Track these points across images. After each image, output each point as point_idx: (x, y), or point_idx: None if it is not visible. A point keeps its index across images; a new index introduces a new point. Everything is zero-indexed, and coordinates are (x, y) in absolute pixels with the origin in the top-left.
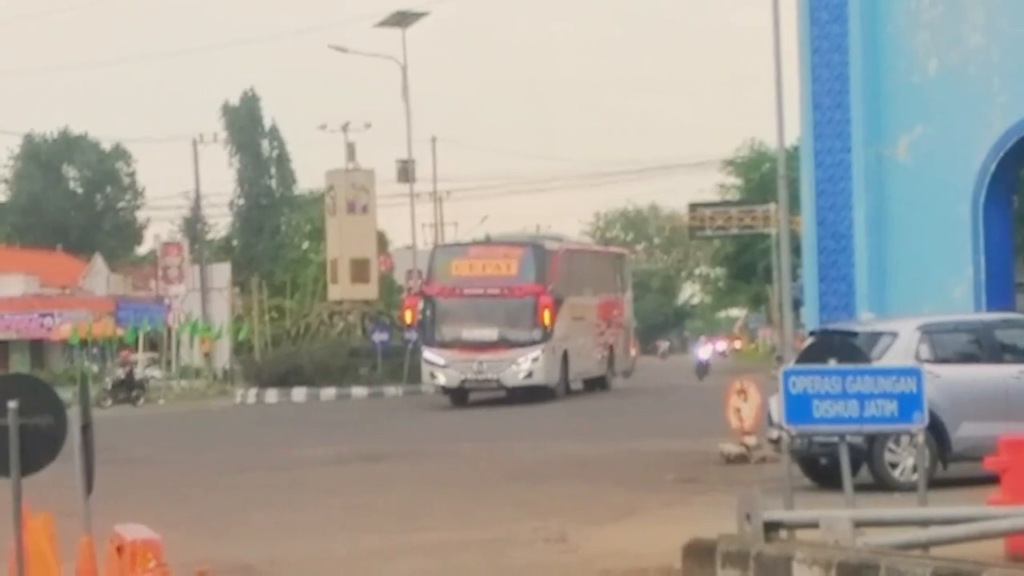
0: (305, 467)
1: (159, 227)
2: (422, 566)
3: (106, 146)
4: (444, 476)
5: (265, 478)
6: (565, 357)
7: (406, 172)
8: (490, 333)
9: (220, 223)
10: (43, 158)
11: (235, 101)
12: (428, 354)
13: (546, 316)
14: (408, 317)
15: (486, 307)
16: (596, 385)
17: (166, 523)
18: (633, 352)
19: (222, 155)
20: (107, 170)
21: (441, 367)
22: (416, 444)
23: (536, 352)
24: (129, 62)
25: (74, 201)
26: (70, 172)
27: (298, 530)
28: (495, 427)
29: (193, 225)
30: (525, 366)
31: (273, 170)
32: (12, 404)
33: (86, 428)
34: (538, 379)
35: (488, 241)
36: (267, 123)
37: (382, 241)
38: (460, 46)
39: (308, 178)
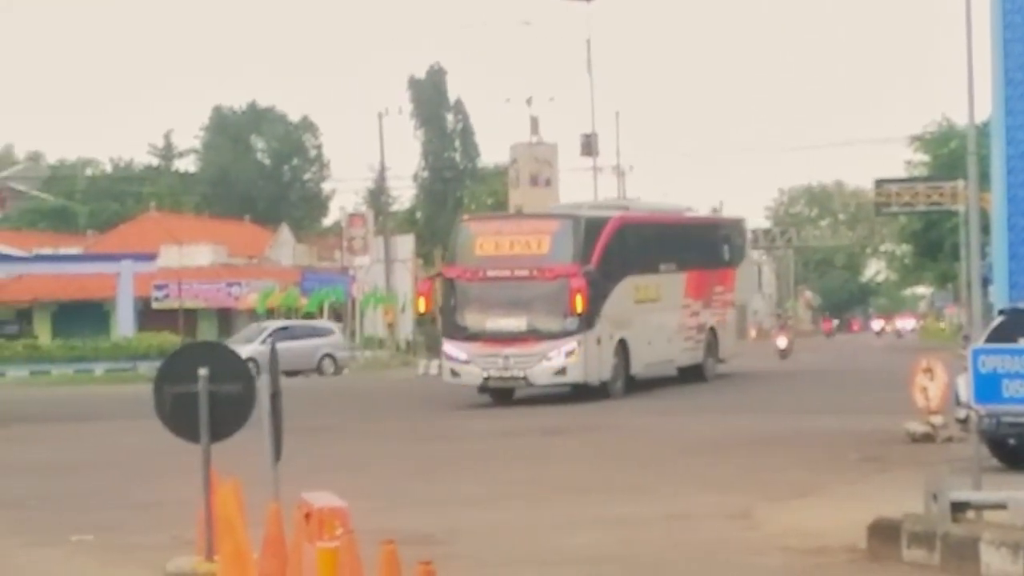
0: (483, 438)
1: (344, 199)
2: (601, 540)
3: (293, 118)
4: (621, 449)
5: (444, 448)
6: (624, 347)
7: (589, 146)
8: (517, 323)
9: (404, 195)
10: (232, 130)
11: (421, 75)
12: (448, 347)
13: (578, 301)
14: (421, 304)
15: (513, 292)
16: (691, 375)
17: (348, 491)
18: (752, 331)
19: (407, 128)
20: (294, 142)
21: (462, 362)
22: (592, 417)
23: (570, 344)
24: (316, 36)
25: (262, 172)
26: (258, 144)
27: (477, 501)
28: (665, 404)
29: (377, 197)
30: (557, 361)
31: (457, 143)
32: (202, 372)
33: (275, 396)
34: (574, 376)
35: (520, 214)
36: (452, 96)
37: None
38: (645, 20)
39: (491, 151)
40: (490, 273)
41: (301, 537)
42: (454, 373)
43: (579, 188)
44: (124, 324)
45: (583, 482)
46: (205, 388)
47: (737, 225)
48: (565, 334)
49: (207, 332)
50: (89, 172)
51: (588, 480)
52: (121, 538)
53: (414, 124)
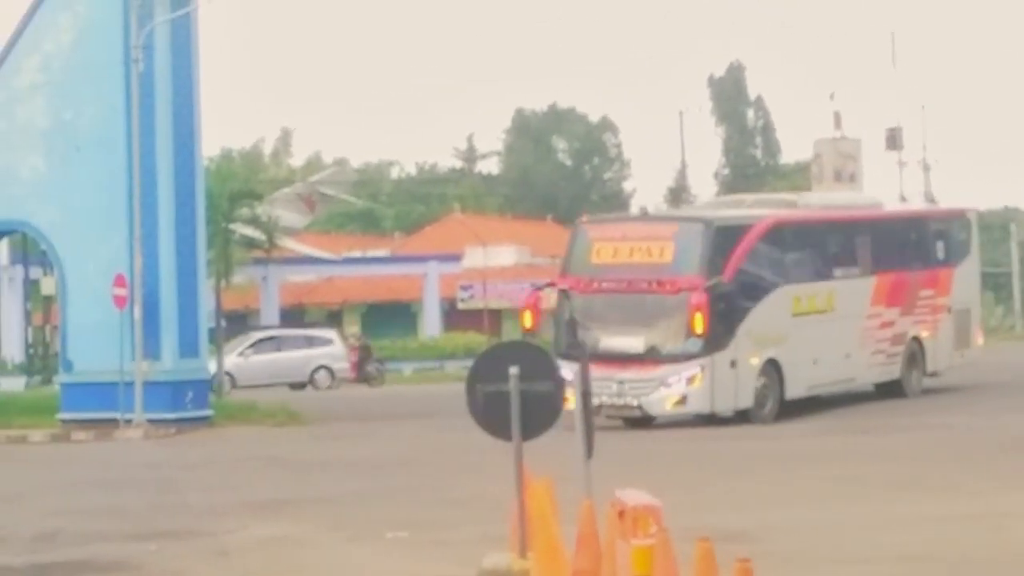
0: (790, 437)
1: (645, 197)
2: (916, 539)
3: (593, 118)
4: (934, 447)
5: (751, 446)
6: (775, 367)
7: (894, 140)
8: (634, 343)
9: (704, 193)
10: (533, 132)
11: (721, 72)
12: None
13: (698, 320)
14: (527, 319)
15: (629, 307)
16: (888, 391)
17: (656, 489)
18: (979, 339)
19: (707, 125)
20: (594, 142)
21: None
22: (899, 417)
23: (692, 369)
24: (615, 37)
25: (563, 172)
26: (559, 144)
27: (787, 498)
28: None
29: (678, 195)
30: (677, 388)
31: (758, 140)
32: (513, 371)
33: (586, 395)
34: (696, 405)
35: (645, 215)
36: (752, 93)
37: None
38: (953, 11)
39: (793, 147)
40: (605, 284)
41: (615, 534)
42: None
43: (884, 183)
44: (431, 324)
45: (895, 480)
46: (516, 387)
47: (957, 218)
48: (686, 357)
49: (512, 332)
50: (394, 175)
51: (900, 478)
52: (435, 534)
53: (714, 121)
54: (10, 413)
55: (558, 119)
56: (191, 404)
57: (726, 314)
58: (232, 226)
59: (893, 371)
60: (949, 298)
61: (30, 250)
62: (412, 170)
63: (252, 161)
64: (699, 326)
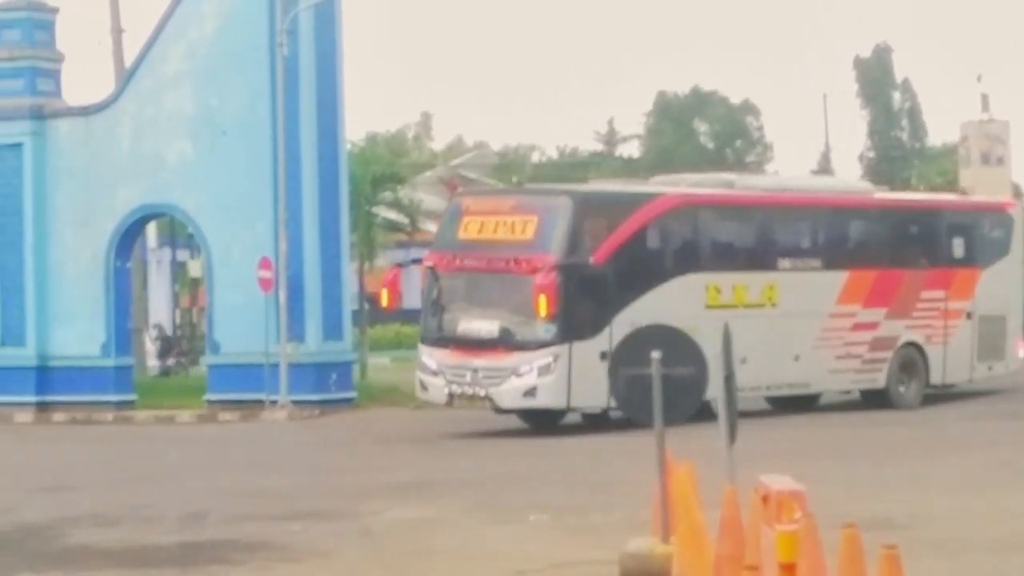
0: (937, 422)
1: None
2: None
3: (735, 101)
4: None
5: (896, 432)
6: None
7: None
8: (489, 327)
9: (849, 176)
10: (674, 114)
11: (866, 54)
12: (421, 353)
13: (542, 303)
14: (384, 298)
15: (487, 288)
16: (874, 401)
17: (803, 475)
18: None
19: (852, 108)
20: (736, 124)
21: (431, 373)
22: None
23: (545, 358)
24: (758, 19)
25: (704, 156)
26: (701, 127)
27: (936, 485)
28: None
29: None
30: (528, 378)
31: (904, 122)
32: (655, 355)
33: (729, 378)
34: (546, 399)
35: (518, 187)
36: (899, 75)
37: (1017, 192)
38: None
39: (940, 130)
40: (467, 262)
41: (758, 520)
42: (423, 386)
43: None
44: None
45: None
46: (658, 371)
47: (993, 214)
48: (538, 345)
49: None
50: (535, 159)
51: None
52: (576, 518)
53: (859, 104)
54: (159, 393)
55: (700, 101)
56: (335, 386)
57: (595, 299)
58: (375, 209)
59: (875, 379)
60: (970, 302)
61: (177, 233)
62: (553, 154)
63: (396, 145)
64: (543, 310)
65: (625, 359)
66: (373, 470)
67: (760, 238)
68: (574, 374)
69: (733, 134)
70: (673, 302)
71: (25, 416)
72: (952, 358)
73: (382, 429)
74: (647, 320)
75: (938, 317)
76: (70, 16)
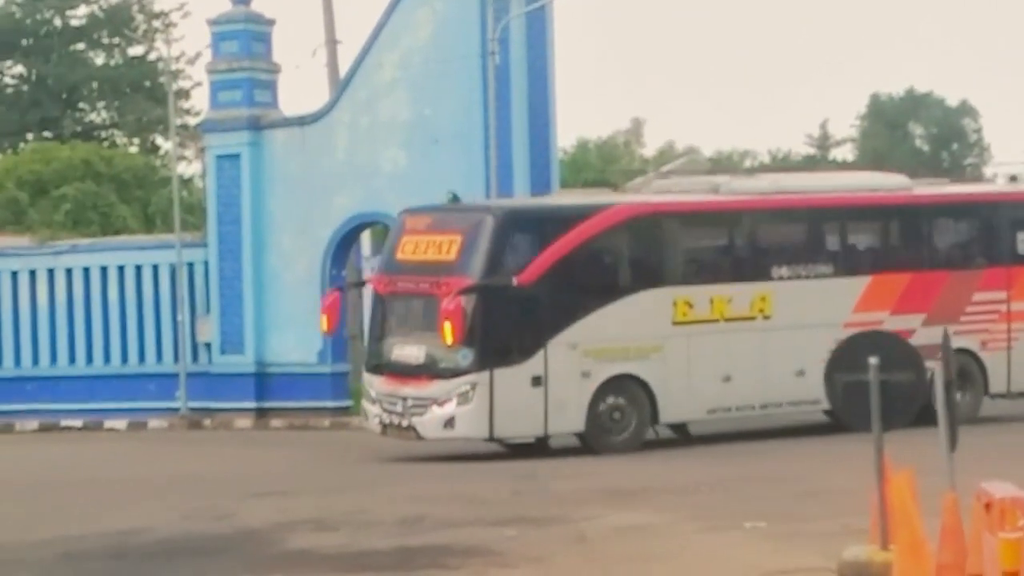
0: None
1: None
2: None
3: (952, 103)
4: None
5: None
6: (643, 388)
7: None
8: (416, 354)
9: None
10: (889, 117)
11: None
12: (363, 381)
13: (447, 330)
14: (323, 323)
15: (415, 312)
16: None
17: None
18: None
19: None
20: (953, 127)
21: (371, 401)
22: None
23: (463, 387)
24: (974, 18)
25: (920, 159)
26: (916, 130)
27: None
28: None
29: None
30: (448, 409)
31: None
32: (873, 360)
33: (949, 385)
34: (465, 429)
35: (454, 204)
36: None
37: None
38: None
39: None
40: (400, 285)
41: (981, 527)
42: (364, 415)
43: None
44: None
45: None
46: (876, 377)
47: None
48: (455, 373)
49: None
50: (747, 163)
51: None
52: (793, 525)
53: None
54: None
55: (915, 103)
56: None
57: (522, 322)
58: None
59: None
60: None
61: None
62: (765, 158)
63: (607, 151)
64: (448, 336)
65: (842, 365)
66: (586, 476)
67: (746, 246)
68: (498, 402)
69: (949, 137)
70: (631, 320)
71: (245, 422)
72: (1020, 365)
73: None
74: (597, 341)
75: (998, 320)
76: (285, 27)
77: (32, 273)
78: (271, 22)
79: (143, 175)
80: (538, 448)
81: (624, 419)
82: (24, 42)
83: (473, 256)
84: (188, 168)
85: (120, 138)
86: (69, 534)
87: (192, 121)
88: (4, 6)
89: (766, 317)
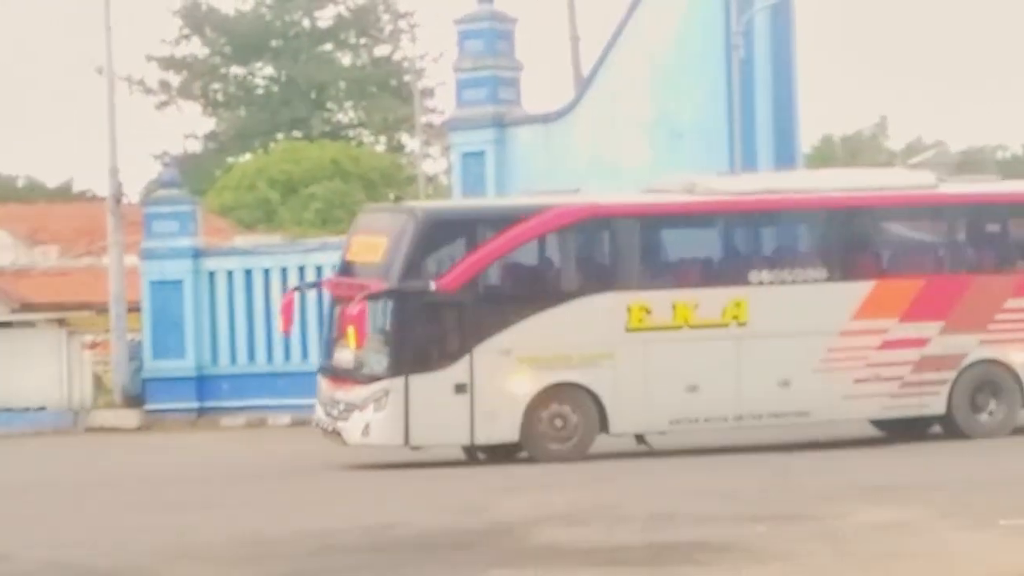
0: None
1: None
2: None
3: None
4: None
5: None
6: (591, 397)
7: None
8: (348, 358)
9: None
10: None
11: None
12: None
13: (351, 335)
14: (280, 323)
15: (346, 315)
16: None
17: None
18: None
19: None
20: None
21: (319, 404)
22: None
23: (377, 393)
24: None
25: None
26: None
27: None
28: None
29: None
30: (366, 415)
31: None
32: None
33: None
34: (379, 436)
35: (394, 206)
36: None
37: None
38: None
39: None
40: (341, 288)
41: None
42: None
43: None
44: None
45: None
46: None
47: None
48: (371, 378)
49: None
50: (999, 156)
51: None
52: None
53: None
54: None
55: None
56: None
57: (443, 328)
58: None
59: (927, 404)
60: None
61: None
62: (1019, 151)
63: (852, 145)
64: (352, 341)
65: None
66: (836, 472)
67: (716, 249)
68: (414, 409)
69: None
70: (575, 326)
71: None
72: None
73: (847, 429)
74: (535, 348)
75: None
76: (526, 25)
77: (283, 271)
78: (514, 20)
79: (390, 174)
80: (787, 442)
81: (567, 428)
82: (273, 43)
83: (393, 259)
84: (433, 166)
85: (367, 137)
86: (327, 526)
87: (437, 119)
88: (254, 8)
89: (741, 324)
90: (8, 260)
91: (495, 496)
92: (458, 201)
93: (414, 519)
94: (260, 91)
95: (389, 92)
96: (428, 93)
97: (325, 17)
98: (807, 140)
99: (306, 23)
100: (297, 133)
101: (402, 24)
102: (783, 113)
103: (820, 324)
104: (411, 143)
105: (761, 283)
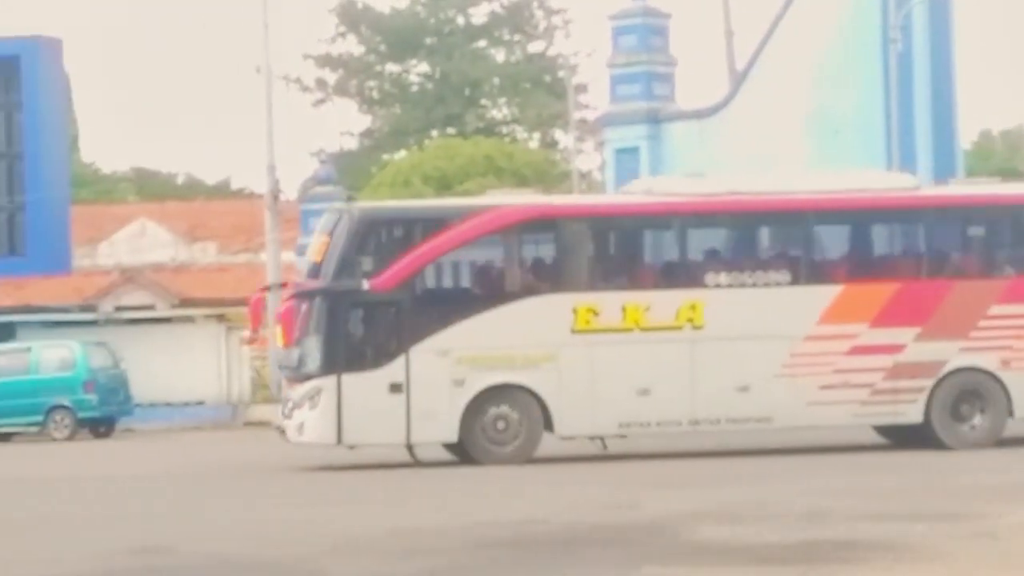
0: None
1: None
2: None
3: None
4: None
5: None
6: (535, 398)
7: None
8: (292, 356)
9: None
10: None
11: None
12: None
13: (278, 334)
14: (249, 323)
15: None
16: (904, 439)
17: None
18: None
19: None
20: None
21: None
22: None
23: (311, 392)
24: None
25: None
26: None
27: None
28: None
29: None
30: (302, 413)
31: None
32: None
33: None
34: (312, 435)
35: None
36: None
37: None
38: None
39: None
40: (299, 287)
41: None
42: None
43: None
44: None
45: None
46: None
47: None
48: (305, 377)
49: None
50: None
51: None
52: None
53: None
54: None
55: None
56: None
57: (377, 327)
58: None
59: (901, 412)
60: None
61: None
62: None
63: (1013, 140)
64: (280, 339)
65: None
66: (984, 471)
67: (670, 251)
68: (347, 409)
69: None
70: (518, 327)
71: None
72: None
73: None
74: (475, 348)
75: (1018, 337)
76: (680, 20)
77: None
78: (668, 15)
79: (543, 170)
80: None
81: (510, 430)
82: (428, 40)
83: (329, 258)
84: (587, 162)
85: (520, 133)
86: (474, 520)
87: (590, 115)
88: (409, 6)
89: (696, 327)
90: (168, 256)
91: (642, 492)
92: (399, 202)
93: (560, 515)
94: (415, 88)
95: (543, 88)
96: (582, 89)
97: (479, 14)
98: (965, 135)
99: (460, 20)
100: (451, 130)
101: (556, 20)
102: (942, 107)
103: (782, 328)
104: (565, 139)
105: (718, 286)
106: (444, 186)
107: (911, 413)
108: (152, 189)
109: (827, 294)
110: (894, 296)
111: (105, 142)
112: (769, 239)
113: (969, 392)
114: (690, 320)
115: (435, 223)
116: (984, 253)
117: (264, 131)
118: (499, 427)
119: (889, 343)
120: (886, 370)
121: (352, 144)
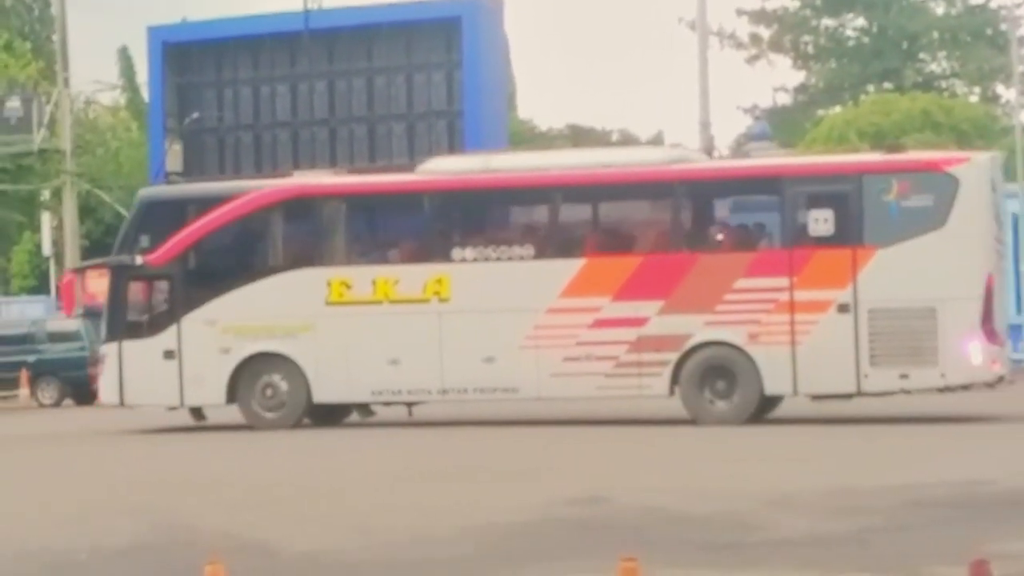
0: None
1: None
2: None
3: None
4: None
5: None
6: (296, 368)
7: None
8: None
9: None
10: None
11: None
12: None
13: (64, 302)
14: (63, 305)
15: None
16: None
17: None
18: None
19: None
20: None
21: None
22: None
23: (101, 356)
24: None
25: None
26: None
27: None
28: None
29: None
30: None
31: None
32: None
33: None
34: (103, 395)
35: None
36: None
37: None
38: None
39: None
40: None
41: None
42: None
43: None
44: None
45: None
46: None
47: (909, 176)
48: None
49: None
50: None
51: None
52: None
53: None
54: None
55: None
56: None
57: (152, 299)
58: None
59: (646, 385)
60: (844, 292)
61: None
62: None
63: None
64: (63, 309)
65: None
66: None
67: (419, 228)
68: (127, 372)
69: None
70: (278, 299)
71: None
72: (811, 363)
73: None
74: (239, 319)
75: (776, 311)
76: None
77: None
78: None
79: (983, 125)
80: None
81: (276, 396)
82: None
83: (118, 236)
84: None
85: (960, 88)
86: (912, 481)
87: None
88: None
89: (443, 300)
90: None
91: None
92: (181, 185)
93: (1004, 478)
94: (851, 43)
95: (984, 41)
96: None
97: None
98: None
99: None
100: (888, 85)
101: None
102: None
103: (525, 301)
104: (1007, 94)
105: (464, 260)
106: (880, 142)
107: (656, 386)
108: (588, 145)
109: (570, 268)
110: (637, 270)
111: (541, 99)
112: (515, 215)
113: (716, 367)
114: (437, 293)
115: (207, 203)
116: (727, 226)
117: (698, 87)
118: (267, 394)
119: (632, 316)
120: (629, 343)
121: (786, 100)
